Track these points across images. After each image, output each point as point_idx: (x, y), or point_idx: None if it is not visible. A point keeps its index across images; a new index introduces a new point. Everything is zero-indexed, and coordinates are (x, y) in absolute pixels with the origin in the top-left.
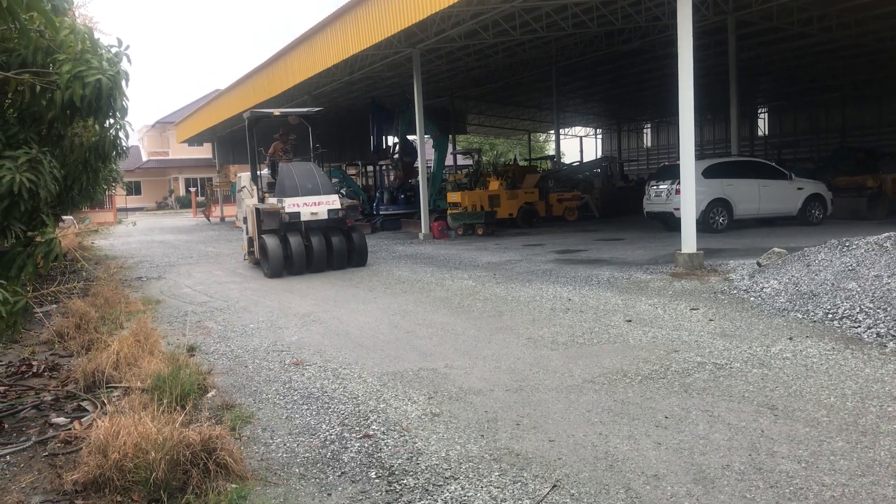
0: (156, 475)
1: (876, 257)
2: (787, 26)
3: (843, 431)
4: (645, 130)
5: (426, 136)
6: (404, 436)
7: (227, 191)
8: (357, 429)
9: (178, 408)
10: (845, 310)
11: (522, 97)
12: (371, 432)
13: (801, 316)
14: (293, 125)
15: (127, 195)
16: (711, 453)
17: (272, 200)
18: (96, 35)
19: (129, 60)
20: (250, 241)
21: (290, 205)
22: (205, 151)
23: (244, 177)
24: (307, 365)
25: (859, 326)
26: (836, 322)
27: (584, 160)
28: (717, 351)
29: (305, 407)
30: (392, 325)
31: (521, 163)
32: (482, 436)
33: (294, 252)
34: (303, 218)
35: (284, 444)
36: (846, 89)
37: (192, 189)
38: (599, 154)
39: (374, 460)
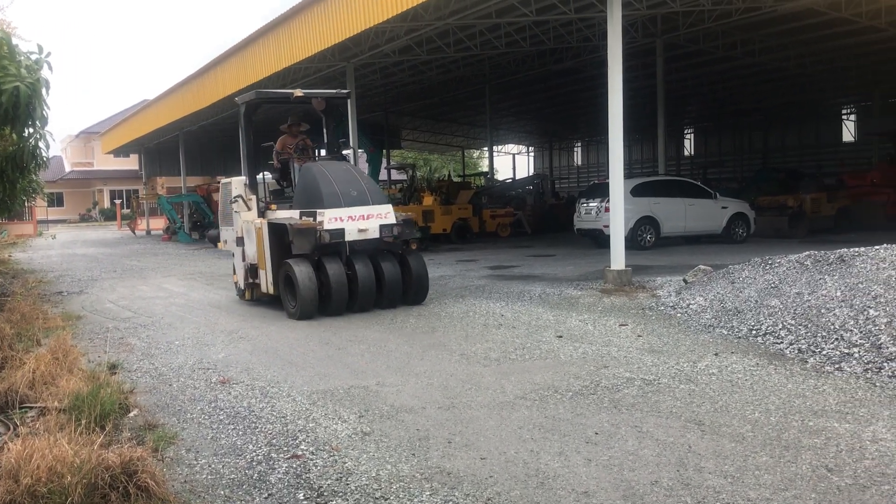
0: (71, 500)
1: (797, 275)
2: (713, 50)
3: (767, 446)
4: (576, 149)
5: (360, 150)
6: (334, 455)
7: (153, 203)
8: (285, 449)
9: (97, 429)
10: (768, 326)
11: (457, 113)
12: (300, 452)
13: (726, 332)
14: (314, 111)
15: (48, 207)
16: (640, 469)
17: (282, 213)
18: (14, 41)
19: (49, 68)
20: (251, 270)
21: (332, 219)
22: (131, 163)
23: (236, 183)
24: (234, 383)
25: (782, 342)
26: (759, 338)
27: (517, 177)
28: (646, 367)
29: (232, 426)
30: (323, 342)
31: (456, 179)
32: (413, 454)
33: (333, 284)
34: (347, 237)
35: (209, 466)
36: (769, 112)
37: (118, 201)
38: (532, 171)
39: (303, 481)
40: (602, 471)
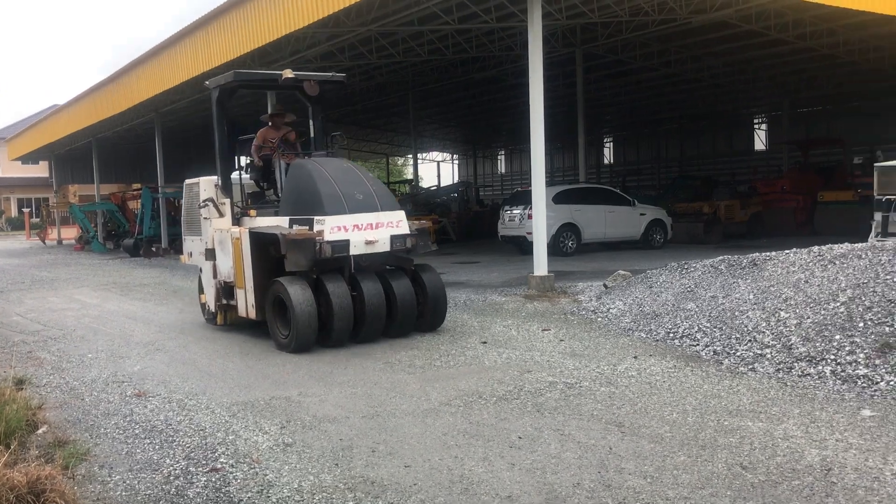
0: None
1: (712, 279)
2: (631, 60)
3: (685, 446)
4: (500, 157)
5: None
6: (254, 468)
7: (65, 212)
8: (204, 462)
9: (1, 447)
10: (685, 329)
11: (380, 120)
12: (219, 466)
13: (644, 335)
14: (298, 98)
15: None
16: (563, 472)
17: (265, 221)
18: None
19: None
20: (225, 289)
21: (334, 228)
22: (41, 170)
23: (205, 184)
24: (150, 396)
25: (698, 345)
26: (676, 341)
27: (442, 185)
28: (568, 370)
29: (148, 441)
30: (243, 353)
31: None
32: (337, 464)
33: (336, 310)
34: (353, 251)
35: (124, 482)
36: (685, 121)
37: (26, 210)
38: (456, 179)
39: (222, 495)
40: (525, 475)
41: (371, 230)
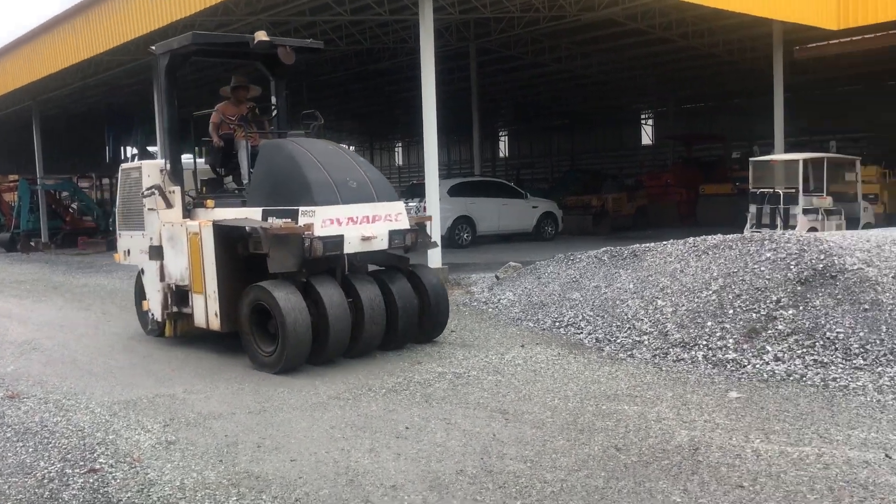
0: None
1: (595, 270)
2: (523, 55)
3: (565, 430)
4: (397, 149)
5: None
6: (135, 467)
7: None
8: (81, 464)
9: None
10: (570, 318)
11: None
12: (98, 466)
13: (532, 325)
14: (273, 66)
15: None
16: (447, 460)
17: (226, 212)
18: None
19: None
20: (177, 294)
21: (326, 221)
22: None
23: (149, 169)
24: (25, 398)
25: (581, 333)
26: (562, 329)
27: None
28: (457, 360)
29: (21, 444)
30: (127, 349)
31: None
32: (221, 461)
33: (332, 320)
34: (347, 248)
35: None
36: (576, 116)
37: None
38: None
39: (100, 496)
40: (411, 464)
41: (367, 224)
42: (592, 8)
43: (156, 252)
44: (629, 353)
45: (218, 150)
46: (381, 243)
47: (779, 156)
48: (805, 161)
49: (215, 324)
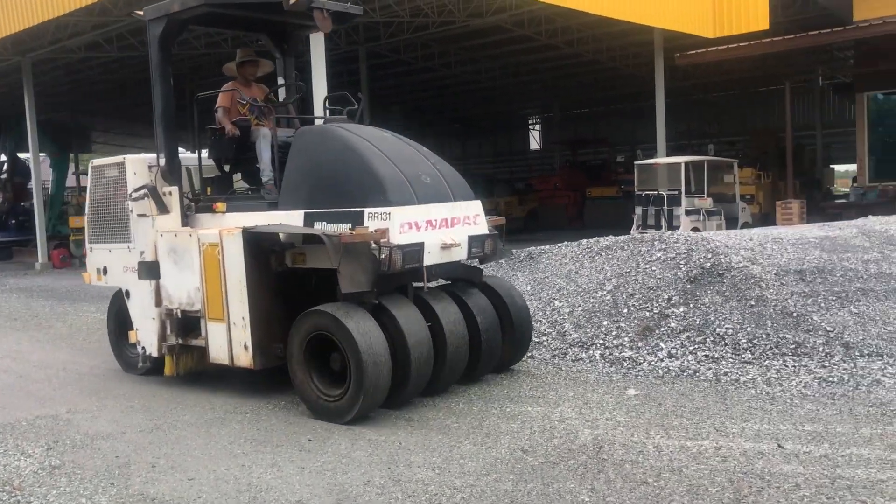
0: None
1: (493, 272)
2: (413, 60)
3: (471, 434)
4: None
5: (42, 154)
6: (16, 496)
7: None
8: None
9: None
10: None
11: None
12: None
13: None
14: (291, 40)
15: None
16: (353, 471)
17: (244, 218)
18: None
19: None
20: (182, 322)
21: (404, 225)
22: None
23: (133, 165)
24: None
25: None
26: None
27: None
28: None
29: None
30: (2, 370)
31: None
32: (112, 484)
33: (414, 353)
34: (427, 259)
35: None
36: (466, 121)
37: None
38: None
39: None
40: (315, 477)
41: (447, 228)
42: (480, 14)
43: (149, 269)
44: (529, 354)
45: (230, 141)
46: (461, 252)
47: (662, 159)
48: (686, 164)
49: (244, 359)
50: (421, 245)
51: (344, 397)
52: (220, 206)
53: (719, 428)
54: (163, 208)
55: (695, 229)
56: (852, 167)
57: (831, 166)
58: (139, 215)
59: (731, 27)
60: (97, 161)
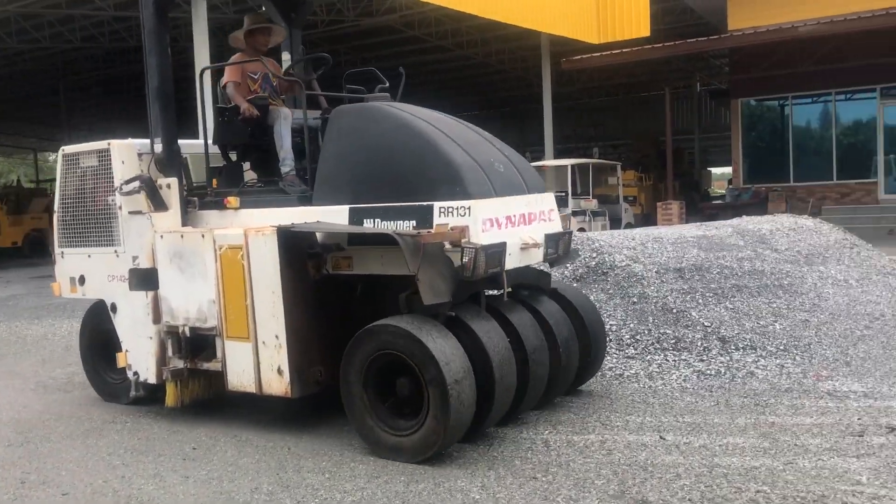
0: None
1: None
2: None
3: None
4: None
5: None
6: None
7: None
8: None
9: None
10: None
11: (26, 112)
12: None
13: None
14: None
15: None
16: (240, 478)
17: (265, 214)
18: None
19: None
20: (188, 343)
21: (486, 222)
22: None
23: (121, 153)
24: None
25: None
26: None
27: None
28: None
29: None
30: None
31: (27, 185)
32: None
33: (497, 375)
34: (510, 262)
35: None
36: None
37: None
38: None
39: None
40: (200, 486)
41: (525, 226)
42: (371, 14)
43: (144, 278)
44: None
45: (244, 124)
46: (538, 254)
47: (549, 161)
48: (573, 167)
49: (278, 386)
50: (503, 246)
51: (418, 431)
52: (233, 200)
53: (605, 422)
54: (160, 204)
55: (581, 230)
56: (728, 169)
57: (709, 169)
58: (131, 213)
59: (615, 34)
60: (69, 148)
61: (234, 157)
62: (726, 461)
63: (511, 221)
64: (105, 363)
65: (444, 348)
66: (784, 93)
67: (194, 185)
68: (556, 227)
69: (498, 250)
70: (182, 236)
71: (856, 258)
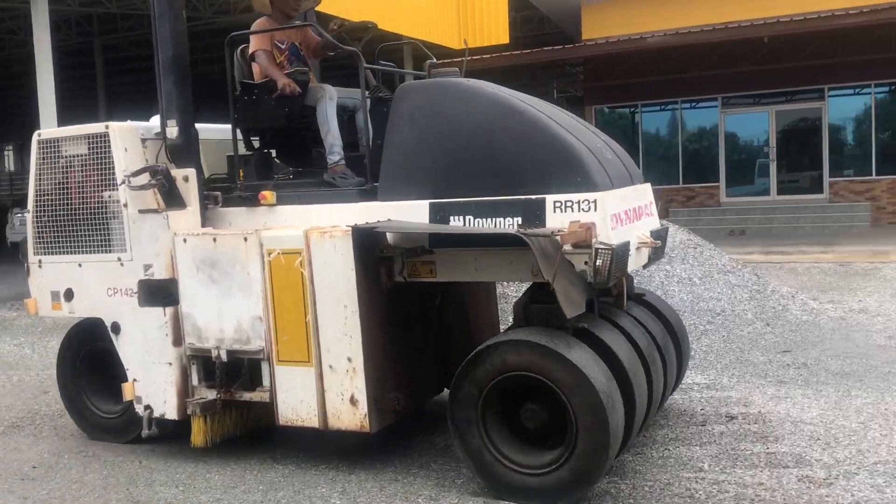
0: None
1: None
2: (153, 55)
3: (219, 447)
4: (7, 153)
5: None
6: None
7: None
8: None
9: None
10: None
11: None
12: None
13: None
14: None
15: None
16: (86, 496)
17: (305, 211)
18: None
19: None
20: (223, 370)
21: (612, 217)
22: None
23: (123, 137)
24: None
25: None
26: None
27: None
28: None
29: None
30: None
31: None
32: None
33: (638, 397)
34: (632, 263)
35: None
36: (216, 121)
37: None
38: None
39: None
40: None
41: (637, 221)
42: (228, 12)
43: (160, 292)
44: None
45: (282, 103)
46: (646, 254)
47: None
48: None
49: (351, 419)
50: (628, 245)
51: (560, 468)
52: (269, 195)
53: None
54: (176, 201)
55: None
56: None
57: None
58: (141, 212)
59: (476, 40)
60: (48, 133)
61: (256, 143)
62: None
63: (628, 217)
64: (94, 394)
65: (594, 369)
66: (634, 101)
67: (213, 175)
68: (656, 221)
69: (626, 251)
70: (215, 240)
71: (699, 257)
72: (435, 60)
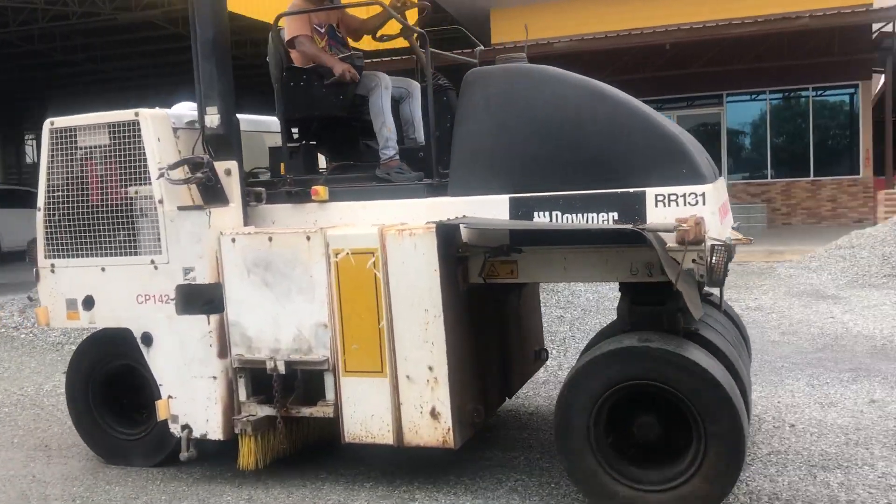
0: None
1: None
2: (51, 52)
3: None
4: None
5: None
6: None
7: None
8: None
9: None
10: None
11: None
12: None
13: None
14: None
15: None
16: None
17: (375, 207)
18: None
19: None
20: (281, 383)
21: (714, 213)
22: None
23: (154, 123)
24: None
25: None
26: None
27: None
28: None
29: None
30: None
31: None
32: None
33: (748, 391)
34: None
35: None
36: None
37: None
38: None
39: None
40: None
41: (726, 217)
42: (130, 8)
43: (202, 297)
44: None
45: (337, 91)
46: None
47: None
48: None
49: (432, 434)
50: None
51: (687, 482)
52: (321, 191)
53: None
54: (218, 196)
55: None
56: None
57: None
58: (181, 209)
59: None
60: (62, 121)
61: (305, 136)
62: (480, 454)
63: (723, 212)
64: (112, 412)
65: (724, 376)
66: None
67: (255, 170)
68: (730, 217)
69: (731, 248)
70: (270, 239)
71: None
72: (483, 48)
